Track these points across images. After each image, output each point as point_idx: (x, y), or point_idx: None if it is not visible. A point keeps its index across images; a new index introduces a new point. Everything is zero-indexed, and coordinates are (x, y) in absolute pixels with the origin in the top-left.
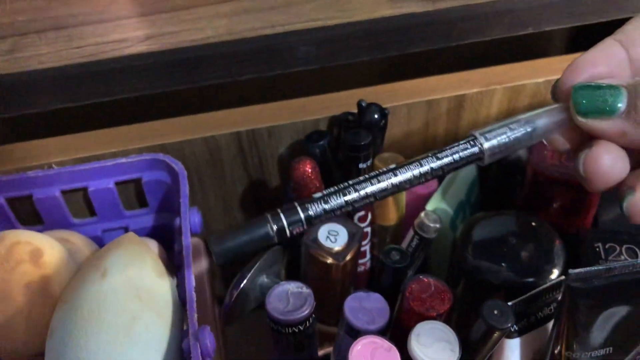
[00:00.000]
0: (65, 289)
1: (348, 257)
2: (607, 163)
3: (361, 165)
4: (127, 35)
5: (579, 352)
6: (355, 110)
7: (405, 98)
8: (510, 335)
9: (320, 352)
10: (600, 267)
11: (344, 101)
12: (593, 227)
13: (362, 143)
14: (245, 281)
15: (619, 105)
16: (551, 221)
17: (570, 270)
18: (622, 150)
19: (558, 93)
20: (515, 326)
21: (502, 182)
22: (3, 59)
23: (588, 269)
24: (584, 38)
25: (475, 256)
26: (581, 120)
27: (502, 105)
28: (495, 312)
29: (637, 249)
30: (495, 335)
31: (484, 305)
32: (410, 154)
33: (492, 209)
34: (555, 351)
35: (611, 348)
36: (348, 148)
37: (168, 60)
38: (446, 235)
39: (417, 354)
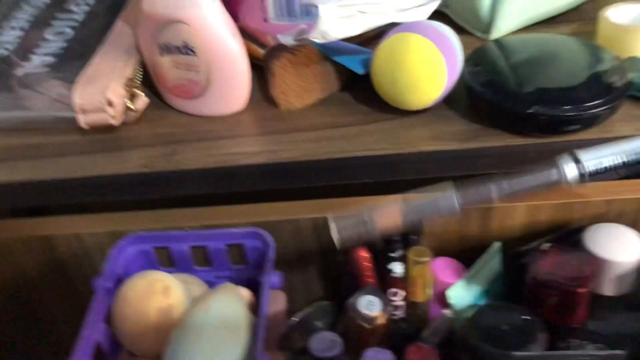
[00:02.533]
0: (182, 315)
1: (377, 323)
2: None
3: (391, 255)
4: (244, 149)
5: None
6: None
7: None
8: None
9: None
10: (539, 353)
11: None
12: (580, 326)
13: (391, 239)
14: (295, 319)
15: None
16: (545, 317)
17: (514, 353)
18: None
19: None
20: None
21: (518, 280)
22: (163, 160)
23: (530, 353)
24: None
25: (474, 338)
26: None
27: (525, 219)
28: None
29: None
30: None
31: None
32: (442, 247)
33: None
34: None
35: None
36: (382, 241)
37: (268, 170)
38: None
39: None
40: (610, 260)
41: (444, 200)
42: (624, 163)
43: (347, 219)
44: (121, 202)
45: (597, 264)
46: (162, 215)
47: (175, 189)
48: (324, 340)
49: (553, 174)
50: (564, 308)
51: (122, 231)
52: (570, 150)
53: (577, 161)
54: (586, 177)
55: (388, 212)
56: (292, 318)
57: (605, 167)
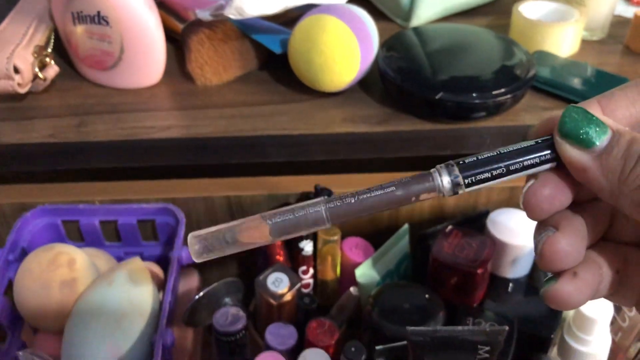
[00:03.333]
0: (85, 289)
1: (284, 299)
2: (565, 249)
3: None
4: (156, 123)
5: None
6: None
7: (351, 187)
8: None
9: None
10: (430, 328)
11: (309, 182)
12: (478, 305)
13: None
14: (200, 295)
15: (597, 142)
16: (446, 296)
17: (408, 327)
18: (580, 239)
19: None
20: None
21: (424, 261)
22: (71, 131)
23: (421, 328)
24: None
25: (375, 315)
26: (558, 139)
27: (433, 202)
28: (353, 349)
29: (483, 322)
30: None
31: (346, 345)
32: (353, 229)
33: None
34: None
35: None
36: None
37: (179, 145)
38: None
39: None
40: (509, 244)
41: (312, 215)
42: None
43: (208, 235)
44: (28, 173)
45: (497, 247)
46: (71, 188)
47: (83, 161)
48: (227, 315)
49: (426, 184)
50: (462, 288)
51: (29, 203)
52: (448, 161)
53: (452, 172)
54: (462, 188)
55: (253, 228)
56: (198, 294)
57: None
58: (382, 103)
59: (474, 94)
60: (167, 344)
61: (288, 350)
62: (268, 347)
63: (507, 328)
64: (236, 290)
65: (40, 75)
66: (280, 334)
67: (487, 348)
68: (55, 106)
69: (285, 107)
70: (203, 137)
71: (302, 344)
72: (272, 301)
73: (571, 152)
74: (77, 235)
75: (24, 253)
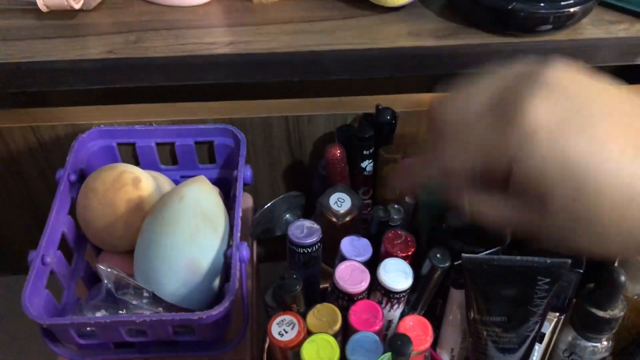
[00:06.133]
0: (153, 205)
1: (347, 219)
2: None
3: (365, 152)
4: (216, 39)
5: (481, 316)
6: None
7: (415, 107)
8: (458, 287)
9: (323, 286)
10: (486, 257)
11: (367, 103)
12: None
13: (365, 136)
14: (265, 207)
15: None
16: None
17: (463, 255)
18: None
19: None
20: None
21: None
22: (130, 47)
23: (477, 255)
24: None
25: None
26: None
27: None
28: (438, 255)
29: None
30: (437, 273)
31: (431, 250)
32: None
33: None
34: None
35: (505, 317)
36: (356, 139)
37: (243, 61)
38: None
39: (381, 277)
40: None
41: None
42: None
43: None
44: (84, 94)
45: None
46: (126, 109)
47: (142, 78)
48: (303, 228)
49: None
50: None
51: (84, 124)
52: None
53: None
54: None
55: None
56: (263, 207)
57: None
58: (446, 17)
59: (546, 4)
60: (243, 257)
61: (364, 262)
62: (343, 259)
63: (569, 260)
64: (297, 206)
65: None
66: (355, 246)
67: (547, 280)
68: (109, 23)
69: (347, 23)
70: (266, 52)
71: (376, 257)
72: (334, 220)
73: None
74: (132, 159)
75: (81, 176)
